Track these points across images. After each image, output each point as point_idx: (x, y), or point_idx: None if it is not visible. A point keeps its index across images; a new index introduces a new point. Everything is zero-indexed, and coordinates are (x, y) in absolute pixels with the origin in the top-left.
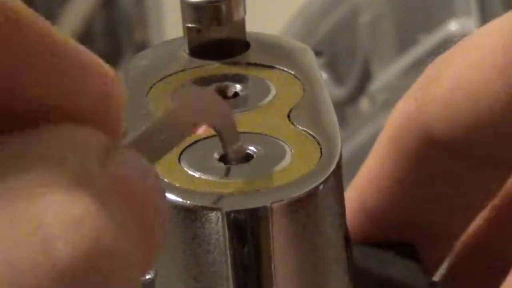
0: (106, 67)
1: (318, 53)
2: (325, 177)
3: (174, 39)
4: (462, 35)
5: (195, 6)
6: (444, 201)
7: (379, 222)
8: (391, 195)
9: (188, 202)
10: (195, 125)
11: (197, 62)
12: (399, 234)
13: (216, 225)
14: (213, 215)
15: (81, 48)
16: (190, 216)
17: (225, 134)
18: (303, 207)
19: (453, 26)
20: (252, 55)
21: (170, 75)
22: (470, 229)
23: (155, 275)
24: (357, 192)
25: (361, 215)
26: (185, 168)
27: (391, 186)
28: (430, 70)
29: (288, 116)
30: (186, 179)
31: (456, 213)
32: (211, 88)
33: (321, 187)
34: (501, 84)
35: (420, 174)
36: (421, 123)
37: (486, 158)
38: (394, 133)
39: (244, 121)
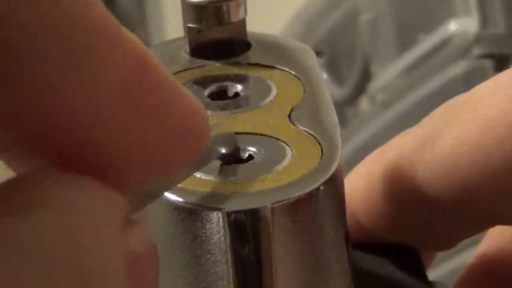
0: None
1: (318, 53)
2: (326, 177)
3: (175, 39)
4: (462, 35)
5: (196, 6)
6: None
7: (371, 235)
8: (381, 215)
9: (189, 202)
10: None
11: (198, 62)
12: (393, 241)
13: (216, 226)
14: (214, 216)
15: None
16: (190, 216)
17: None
18: (303, 208)
19: (453, 26)
20: (253, 55)
21: (171, 75)
22: (480, 248)
23: None
24: (347, 204)
25: (352, 225)
26: None
27: (381, 207)
28: (430, 124)
29: (289, 116)
30: (187, 179)
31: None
32: (211, 88)
33: (321, 187)
34: None
35: (410, 213)
36: (413, 185)
37: (484, 217)
38: (386, 175)
39: (244, 121)
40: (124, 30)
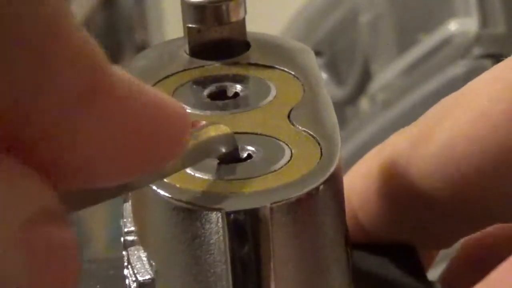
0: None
1: (318, 53)
2: (325, 177)
3: (175, 39)
4: (462, 35)
5: (196, 6)
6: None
7: (371, 234)
8: (380, 214)
9: (188, 202)
10: None
11: (198, 62)
12: (391, 240)
13: (216, 226)
14: (213, 216)
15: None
16: (190, 216)
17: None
18: (303, 208)
19: (453, 26)
20: (252, 55)
21: (171, 75)
22: (469, 238)
23: (156, 275)
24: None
25: (352, 224)
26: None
27: (379, 206)
28: (425, 121)
29: (288, 116)
30: (186, 179)
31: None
32: (211, 88)
33: (321, 187)
34: (510, 131)
35: (408, 211)
36: (410, 182)
37: (482, 214)
38: (383, 173)
39: (244, 121)
40: (79, 33)
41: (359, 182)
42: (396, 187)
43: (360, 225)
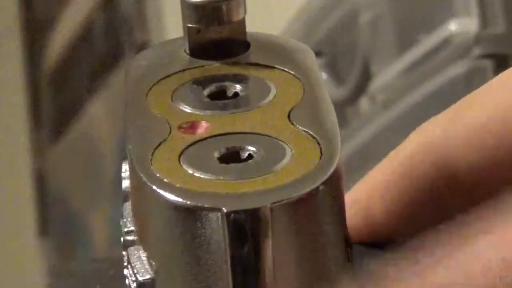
0: None
1: (318, 53)
2: (325, 177)
3: (174, 39)
4: (462, 35)
5: (196, 6)
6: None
7: (379, 232)
8: (396, 213)
9: (188, 202)
10: None
11: (197, 62)
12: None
13: (216, 226)
14: (213, 216)
15: None
16: (190, 216)
17: None
18: (303, 208)
19: (453, 26)
20: (252, 55)
21: (170, 75)
22: None
23: (156, 275)
24: (360, 200)
25: (361, 222)
26: (185, 168)
27: (397, 207)
28: (452, 108)
29: (288, 116)
30: (186, 179)
31: None
32: (211, 88)
33: (321, 187)
34: None
35: (430, 208)
36: (443, 156)
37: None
38: (405, 167)
39: (244, 121)
40: None
41: (379, 179)
42: (428, 180)
43: (371, 223)
